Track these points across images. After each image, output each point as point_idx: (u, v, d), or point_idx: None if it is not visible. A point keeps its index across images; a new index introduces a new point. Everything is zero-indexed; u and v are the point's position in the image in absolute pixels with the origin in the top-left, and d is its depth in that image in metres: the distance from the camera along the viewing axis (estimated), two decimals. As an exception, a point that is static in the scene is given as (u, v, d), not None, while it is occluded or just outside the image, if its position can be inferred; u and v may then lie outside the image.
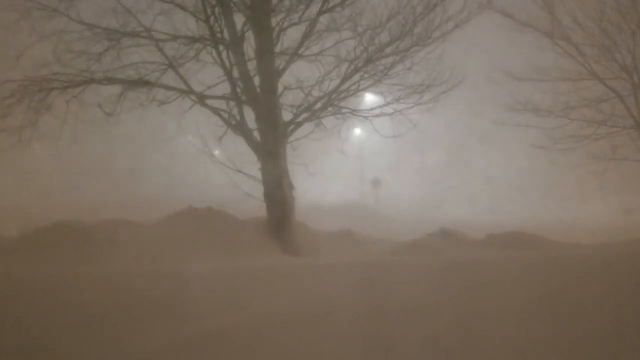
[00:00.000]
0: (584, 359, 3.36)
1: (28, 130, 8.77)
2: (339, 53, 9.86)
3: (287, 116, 9.85)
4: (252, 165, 9.68)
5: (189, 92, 9.40)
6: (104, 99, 9.11)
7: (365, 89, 10.33)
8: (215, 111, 9.59)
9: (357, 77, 9.97)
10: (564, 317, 4.06)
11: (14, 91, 8.72)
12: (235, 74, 9.43)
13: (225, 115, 9.62)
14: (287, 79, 9.83)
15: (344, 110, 10.25)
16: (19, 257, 7.03)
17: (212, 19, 9.15)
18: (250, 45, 9.49)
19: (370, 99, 11.56)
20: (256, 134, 9.60)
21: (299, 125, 9.88)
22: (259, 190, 9.55)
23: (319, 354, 3.57)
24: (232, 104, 9.66)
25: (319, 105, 9.93)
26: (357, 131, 15.53)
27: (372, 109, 10.42)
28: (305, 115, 9.90)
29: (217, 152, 10.14)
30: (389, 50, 9.84)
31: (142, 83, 9.19)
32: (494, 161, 16.27)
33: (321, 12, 9.50)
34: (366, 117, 10.38)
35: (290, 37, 9.69)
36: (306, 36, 9.63)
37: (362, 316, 4.36)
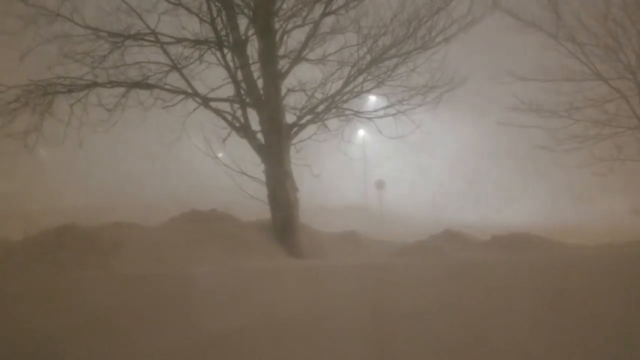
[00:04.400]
0: (589, 358, 3.34)
1: (33, 134, 8.79)
2: (342, 55, 9.87)
3: (290, 118, 9.85)
4: (256, 167, 9.69)
5: (193, 94, 9.41)
6: (108, 100, 9.13)
7: (369, 91, 10.32)
8: (219, 113, 9.59)
9: (360, 79, 9.96)
10: (569, 318, 4.04)
11: (18, 95, 8.75)
12: (239, 76, 9.44)
13: (229, 117, 9.63)
14: (290, 81, 9.86)
15: (347, 112, 10.24)
16: (24, 260, 7.05)
17: (216, 22, 9.16)
18: (253, 48, 9.52)
19: (373, 100, 11.57)
20: (260, 136, 9.61)
21: (303, 127, 9.88)
22: (262, 192, 9.55)
23: (324, 356, 3.56)
24: (236, 106, 9.67)
25: (322, 107, 9.93)
26: (361, 132, 15.53)
27: (375, 110, 10.41)
28: (308, 117, 9.90)
29: (220, 154, 10.15)
30: (392, 52, 9.84)
31: (146, 85, 9.21)
32: (498, 161, 16.24)
33: (324, 15, 9.50)
34: (369, 119, 10.37)
35: (294, 39, 9.71)
36: (309, 38, 9.63)
37: (367, 318, 4.36)
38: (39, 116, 8.84)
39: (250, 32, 9.46)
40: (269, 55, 9.33)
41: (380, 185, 18.53)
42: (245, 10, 9.45)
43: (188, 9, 9.07)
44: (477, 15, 9.82)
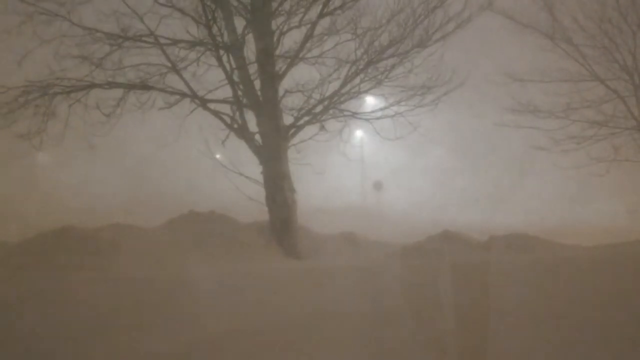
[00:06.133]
0: (588, 359, 3.36)
1: (36, 135, 8.78)
2: (339, 55, 9.88)
3: (288, 119, 9.85)
4: (254, 168, 9.68)
5: (191, 95, 9.40)
6: (106, 102, 9.12)
7: (366, 91, 10.33)
8: (217, 115, 9.59)
9: (357, 80, 9.97)
10: (567, 318, 4.05)
11: (16, 96, 8.73)
12: (236, 77, 9.44)
13: (228, 119, 9.62)
14: (287, 82, 9.86)
15: (344, 113, 10.24)
16: (22, 262, 7.04)
17: (212, 23, 9.15)
18: (250, 49, 9.52)
19: (371, 101, 11.56)
20: (257, 137, 9.60)
21: (300, 128, 9.88)
22: (260, 194, 9.54)
23: (322, 357, 3.56)
24: (234, 107, 9.66)
25: (319, 108, 9.93)
26: (359, 133, 15.51)
27: (373, 111, 10.42)
28: (306, 118, 9.90)
29: (218, 156, 10.14)
30: (389, 52, 9.85)
31: (144, 86, 9.20)
32: (495, 163, 16.24)
33: (321, 15, 9.51)
34: (367, 120, 10.38)
35: (291, 40, 9.71)
36: (306, 39, 9.63)
37: (364, 319, 4.36)
38: (41, 117, 8.82)
39: (247, 32, 9.45)
40: (266, 56, 9.33)
41: (378, 186, 18.50)
42: (242, 12, 9.45)
43: (182, 11, 9.05)
44: (473, 11, 9.86)
